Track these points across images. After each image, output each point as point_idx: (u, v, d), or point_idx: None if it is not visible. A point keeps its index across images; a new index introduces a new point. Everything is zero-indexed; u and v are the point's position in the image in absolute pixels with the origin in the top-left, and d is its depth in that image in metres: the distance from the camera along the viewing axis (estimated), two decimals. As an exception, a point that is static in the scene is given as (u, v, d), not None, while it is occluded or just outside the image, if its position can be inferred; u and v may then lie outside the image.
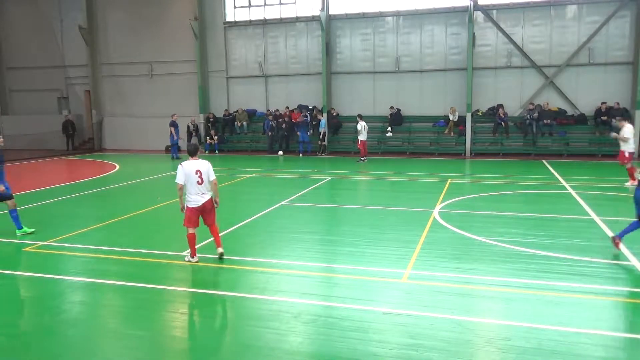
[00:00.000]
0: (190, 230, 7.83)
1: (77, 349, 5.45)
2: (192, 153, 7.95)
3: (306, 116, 24.52)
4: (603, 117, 21.00)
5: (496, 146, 22.66)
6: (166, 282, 7.35)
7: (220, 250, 8.03)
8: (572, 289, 6.74)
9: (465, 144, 22.80)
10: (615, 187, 14.09)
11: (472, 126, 22.72)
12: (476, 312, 6.22)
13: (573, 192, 13.32)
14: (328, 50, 24.57)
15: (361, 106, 24.39)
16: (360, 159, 20.94)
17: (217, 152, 25.10)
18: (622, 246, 8.12)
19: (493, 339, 5.47)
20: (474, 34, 22.46)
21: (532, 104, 22.15)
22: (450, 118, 23.09)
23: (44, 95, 30.16)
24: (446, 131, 23.29)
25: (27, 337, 5.84)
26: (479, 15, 22.83)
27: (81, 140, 29.31)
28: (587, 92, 21.97)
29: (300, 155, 23.40)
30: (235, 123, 26.07)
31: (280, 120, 24.35)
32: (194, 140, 26.16)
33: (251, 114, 26.36)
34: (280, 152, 24.01)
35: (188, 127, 25.98)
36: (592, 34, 21.58)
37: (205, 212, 7.91)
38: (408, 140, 23.89)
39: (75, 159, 24.52)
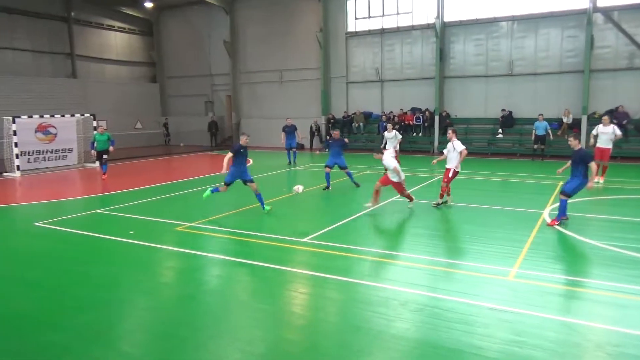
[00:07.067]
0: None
1: (213, 314, 5.87)
2: None
3: (419, 118, 23.97)
4: None
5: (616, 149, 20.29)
6: (287, 264, 7.63)
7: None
8: (697, 300, 5.86)
9: (579, 146, 20.77)
10: None
11: (587, 129, 20.66)
12: (586, 315, 5.65)
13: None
14: (442, 55, 23.82)
15: (472, 108, 23.36)
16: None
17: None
18: None
19: (603, 344, 4.94)
20: (592, 35, 20.39)
21: (657, 106, 19.61)
22: (564, 120, 21.21)
23: (194, 100, 32.91)
24: (559, 132, 21.43)
25: (172, 301, 6.40)
26: (598, 17, 20.67)
27: (222, 138, 31.47)
28: None
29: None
30: (353, 124, 26.31)
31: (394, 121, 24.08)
32: (316, 138, 26.88)
33: (367, 116, 26.44)
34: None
35: (311, 127, 26.83)
36: None
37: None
38: (519, 142, 22.38)
39: (217, 154, 26.35)
